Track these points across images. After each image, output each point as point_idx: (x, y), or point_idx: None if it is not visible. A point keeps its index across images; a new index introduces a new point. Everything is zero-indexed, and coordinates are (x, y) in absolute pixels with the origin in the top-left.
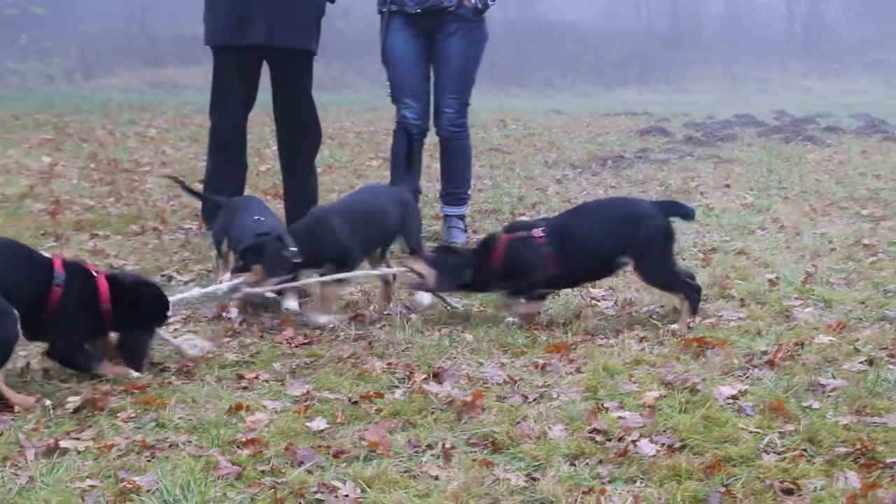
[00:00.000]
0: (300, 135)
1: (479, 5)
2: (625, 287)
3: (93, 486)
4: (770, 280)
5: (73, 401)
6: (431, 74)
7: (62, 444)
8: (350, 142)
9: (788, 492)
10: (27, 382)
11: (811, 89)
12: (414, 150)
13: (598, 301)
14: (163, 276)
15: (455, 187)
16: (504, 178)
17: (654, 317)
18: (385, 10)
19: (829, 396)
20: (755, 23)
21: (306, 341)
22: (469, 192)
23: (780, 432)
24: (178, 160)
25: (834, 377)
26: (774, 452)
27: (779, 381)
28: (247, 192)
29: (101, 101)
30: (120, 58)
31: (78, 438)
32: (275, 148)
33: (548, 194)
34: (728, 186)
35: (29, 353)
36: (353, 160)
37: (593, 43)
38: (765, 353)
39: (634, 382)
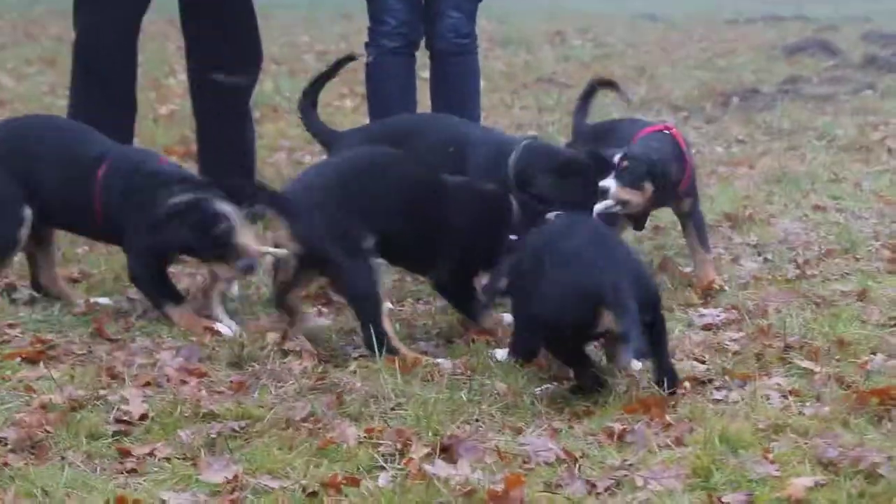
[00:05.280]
0: (226, 57)
1: None
2: (758, 304)
3: None
4: None
5: None
6: None
7: None
8: (308, 68)
9: None
10: None
11: None
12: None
13: (715, 327)
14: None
15: None
16: (561, 127)
17: (804, 351)
18: None
19: None
20: None
21: (232, 391)
22: None
23: None
24: (21, 96)
25: None
26: None
27: None
28: (137, 145)
29: None
30: None
31: None
32: (184, 77)
33: None
34: None
35: None
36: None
37: None
38: None
39: (772, 462)
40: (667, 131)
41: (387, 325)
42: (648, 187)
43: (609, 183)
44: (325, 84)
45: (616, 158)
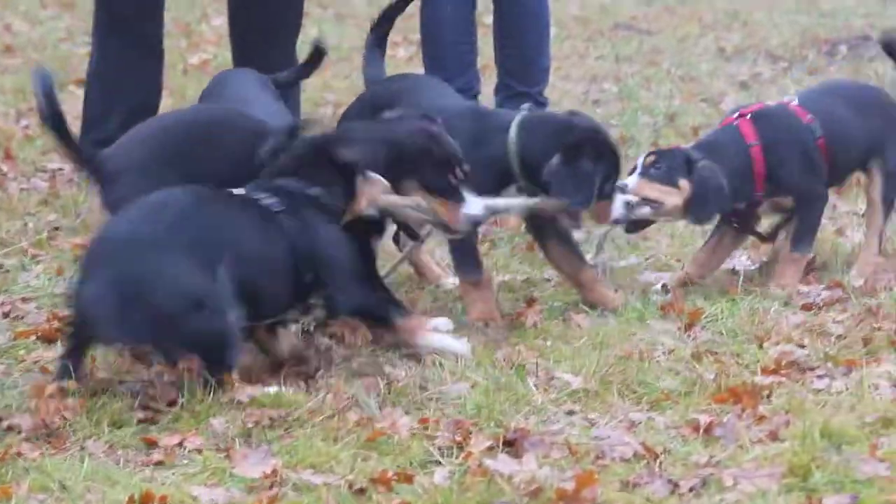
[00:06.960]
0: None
1: None
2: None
3: None
4: None
5: None
6: None
7: None
8: (358, 13)
9: None
10: None
11: None
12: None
13: (816, 307)
14: None
15: (520, 80)
16: (642, 80)
17: None
18: None
19: None
20: None
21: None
22: (545, 87)
23: None
24: (35, 43)
25: None
26: None
27: None
28: (166, 99)
29: None
30: None
31: None
32: (218, 23)
33: (722, 110)
34: None
35: None
36: (362, 47)
37: None
38: None
39: (881, 460)
40: (734, 124)
41: None
42: (685, 185)
43: (631, 178)
44: (398, 16)
45: (643, 156)
